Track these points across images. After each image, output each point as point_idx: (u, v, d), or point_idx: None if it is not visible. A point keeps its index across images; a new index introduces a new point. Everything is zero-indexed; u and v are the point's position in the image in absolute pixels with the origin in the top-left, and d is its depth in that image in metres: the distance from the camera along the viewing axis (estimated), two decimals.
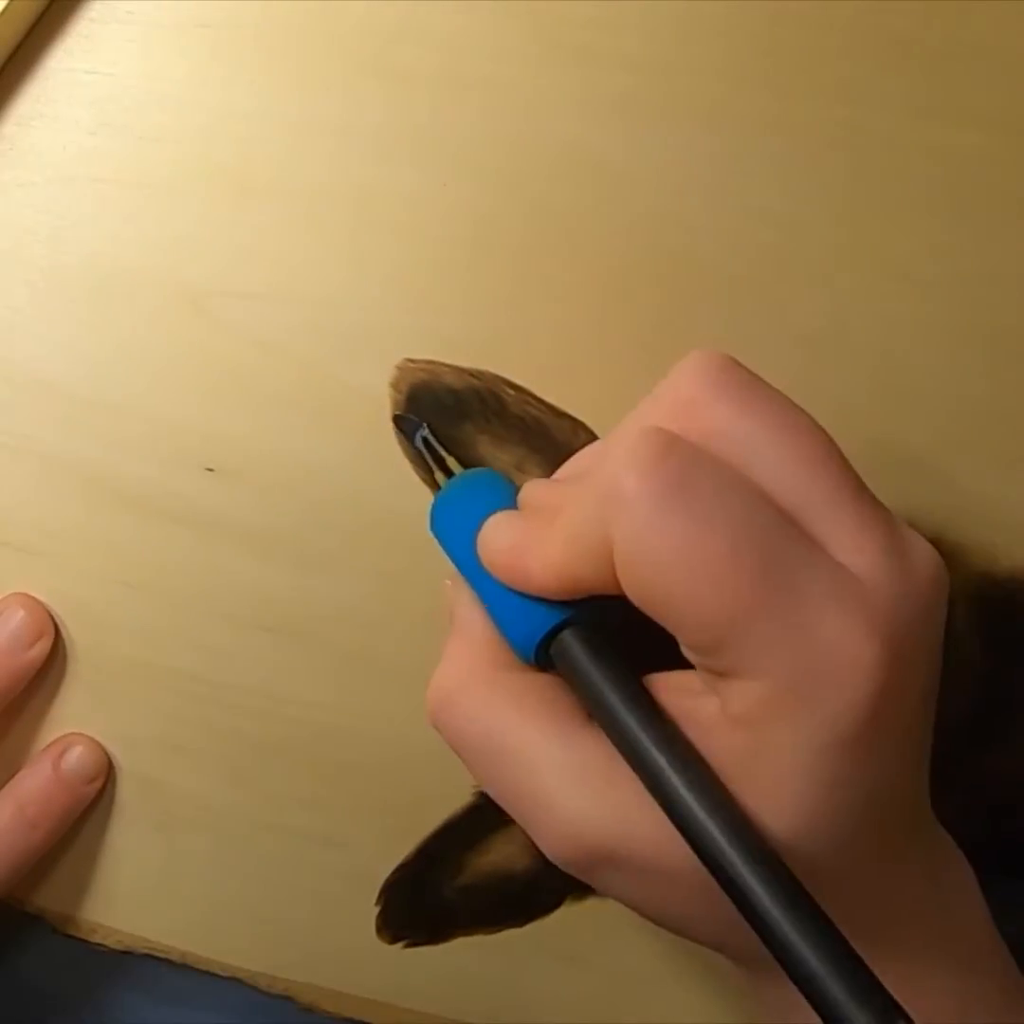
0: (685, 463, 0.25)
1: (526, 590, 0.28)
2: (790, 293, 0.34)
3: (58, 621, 0.36)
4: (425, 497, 0.35)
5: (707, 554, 0.24)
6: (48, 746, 0.37)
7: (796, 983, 0.23)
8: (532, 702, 0.29)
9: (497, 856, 0.37)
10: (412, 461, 0.34)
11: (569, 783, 0.27)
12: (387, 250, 0.34)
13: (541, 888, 0.37)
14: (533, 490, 0.30)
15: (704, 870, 0.25)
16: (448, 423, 0.34)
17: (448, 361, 0.34)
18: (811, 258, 0.34)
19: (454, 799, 0.37)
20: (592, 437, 0.34)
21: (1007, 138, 0.33)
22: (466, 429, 0.34)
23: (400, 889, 0.37)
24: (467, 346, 0.34)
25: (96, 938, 0.38)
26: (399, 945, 0.38)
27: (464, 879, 0.37)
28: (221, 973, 0.38)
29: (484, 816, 0.37)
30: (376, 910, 0.38)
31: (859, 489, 0.26)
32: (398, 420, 0.34)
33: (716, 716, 0.26)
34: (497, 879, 0.37)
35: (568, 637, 0.28)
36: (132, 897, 0.38)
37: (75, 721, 0.37)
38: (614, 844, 0.27)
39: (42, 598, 0.36)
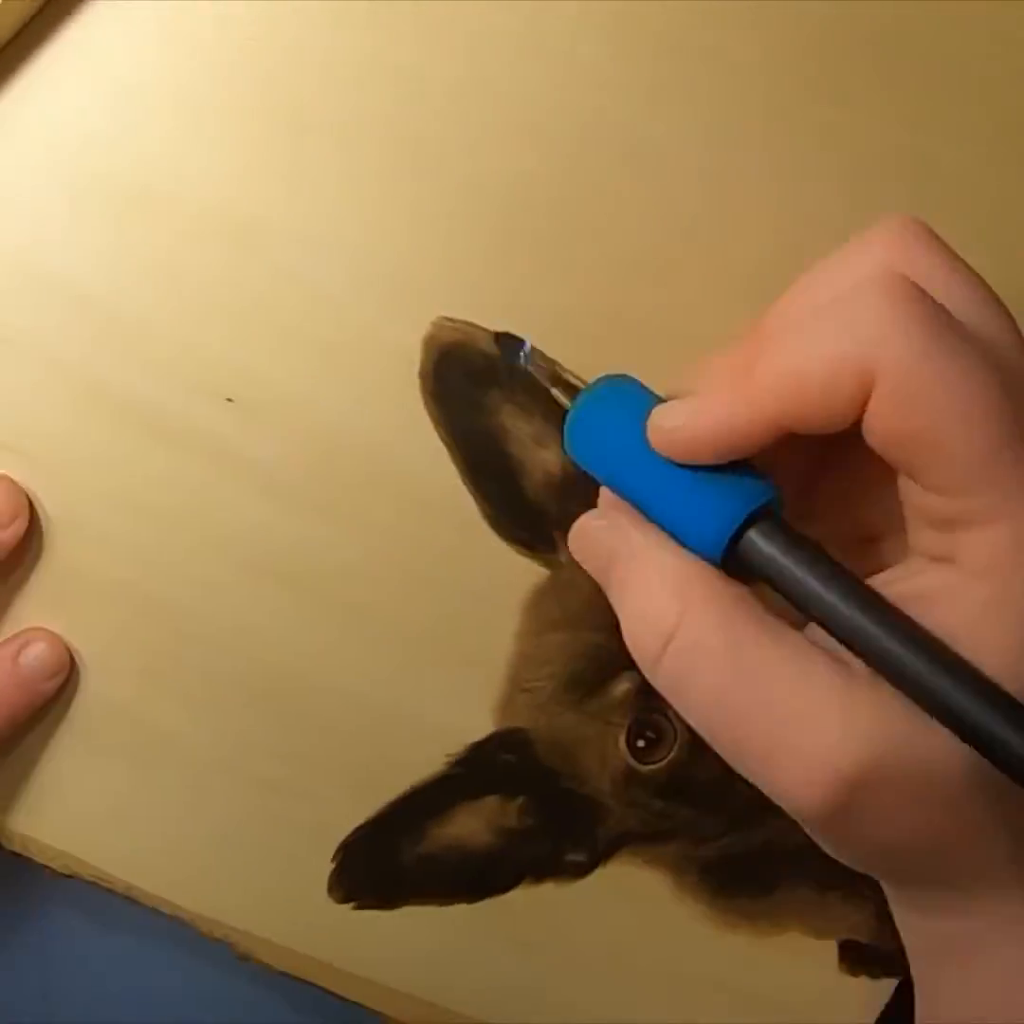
0: (938, 306, 0.25)
1: (723, 447, 0.26)
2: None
3: (52, 532, 0.35)
4: (440, 462, 0.35)
5: (981, 389, 0.24)
6: (7, 640, 0.36)
7: None
8: (766, 618, 0.26)
9: (460, 829, 0.37)
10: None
11: (831, 697, 0.25)
12: (440, 206, 0.34)
13: (499, 867, 0.37)
14: (705, 365, 0.28)
15: (970, 760, 0.24)
16: (475, 387, 0.34)
17: (484, 325, 0.34)
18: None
19: (425, 765, 0.37)
20: None
21: (1000, 150, 0.34)
22: (493, 395, 0.34)
23: (358, 849, 0.37)
24: (504, 315, 0.34)
25: (44, 859, 0.38)
26: (349, 906, 0.38)
27: (424, 847, 0.37)
28: (164, 910, 0.38)
29: (452, 786, 0.37)
30: (331, 867, 0.37)
31: None
32: (499, 336, 0.32)
33: (946, 580, 0.25)
34: (456, 852, 0.37)
35: (759, 532, 0.26)
36: (85, 823, 0.37)
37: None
38: (880, 757, 0.25)
39: (39, 506, 0.35)
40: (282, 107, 0.34)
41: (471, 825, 0.37)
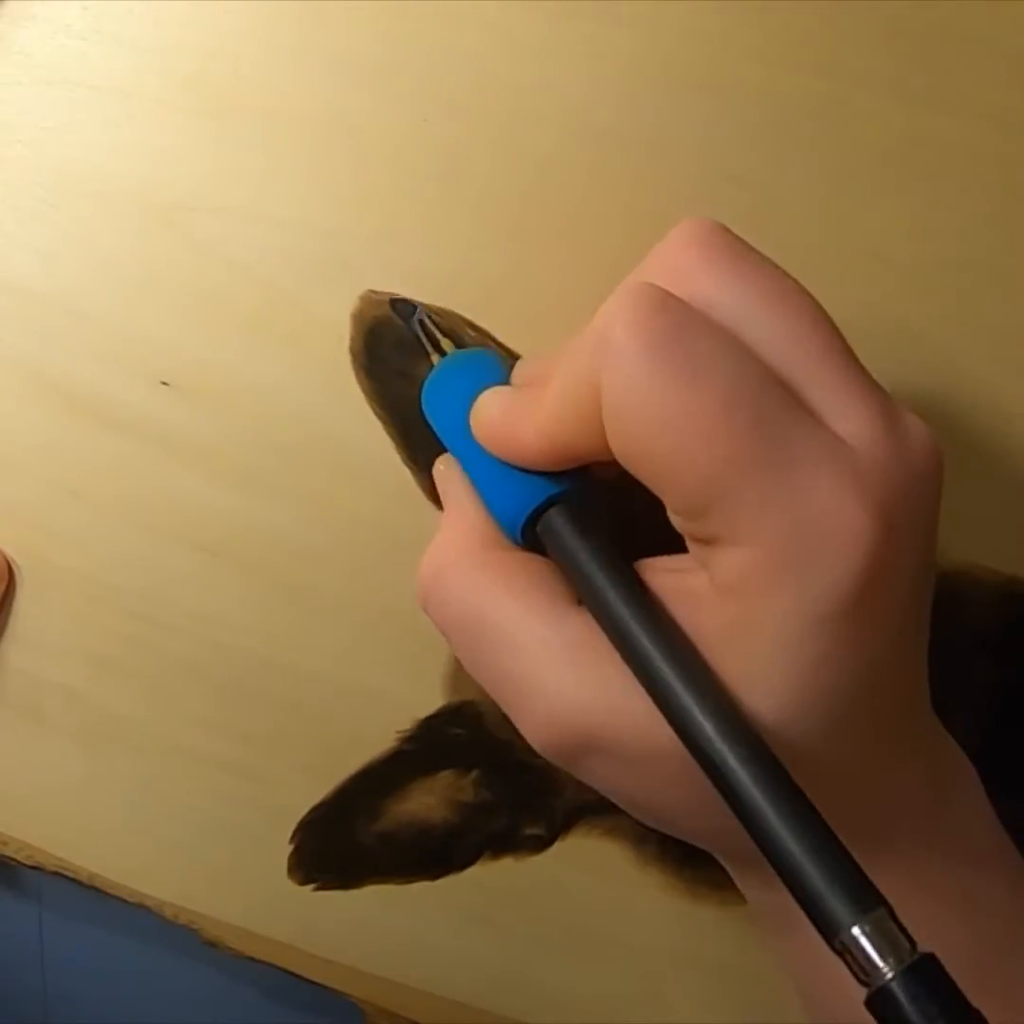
0: (677, 318, 0.25)
1: (517, 460, 0.28)
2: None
3: None
4: (376, 435, 0.35)
5: (698, 408, 0.24)
6: None
7: (775, 868, 0.23)
8: (522, 582, 0.28)
9: (416, 805, 0.37)
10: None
11: (556, 663, 0.27)
12: (364, 180, 0.34)
13: (457, 843, 0.37)
14: (526, 365, 0.30)
15: (688, 754, 0.24)
16: (406, 359, 0.34)
17: (412, 296, 0.34)
18: (785, 227, 0.34)
19: (378, 742, 0.37)
20: None
21: (985, 126, 0.33)
22: (424, 367, 0.34)
23: (315, 829, 0.37)
24: (432, 283, 0.34)
25: (8, 851, 0.38)
26: (309, 887, 0.38)
27: (381, 825, 0.37)
28: (128, 899, 0.38)
29: (405, 762, 0.36)
30: (289, 849, 0.37)
31: (850, 358, 0.26)
32: (394, 303, 0.33)
33: (705, 590, 0.25)
34: (414, 829, 0.37)
35: (555, 514, 0.28)
36: (46, 812, 0.38)
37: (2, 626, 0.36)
38: (600, 726, 0.26)
39: None
40: (207, 90, 0.34)
41: (427, 801, 0.37)
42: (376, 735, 0.37)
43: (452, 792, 0.37)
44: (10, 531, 0.36)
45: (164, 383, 0.35)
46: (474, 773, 0.37)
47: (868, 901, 0.21)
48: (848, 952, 0.21)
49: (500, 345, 0.34)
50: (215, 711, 0.37)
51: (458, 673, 0.36)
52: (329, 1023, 0.43)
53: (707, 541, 0.25)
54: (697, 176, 0.34)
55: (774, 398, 0.24)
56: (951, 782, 0.29)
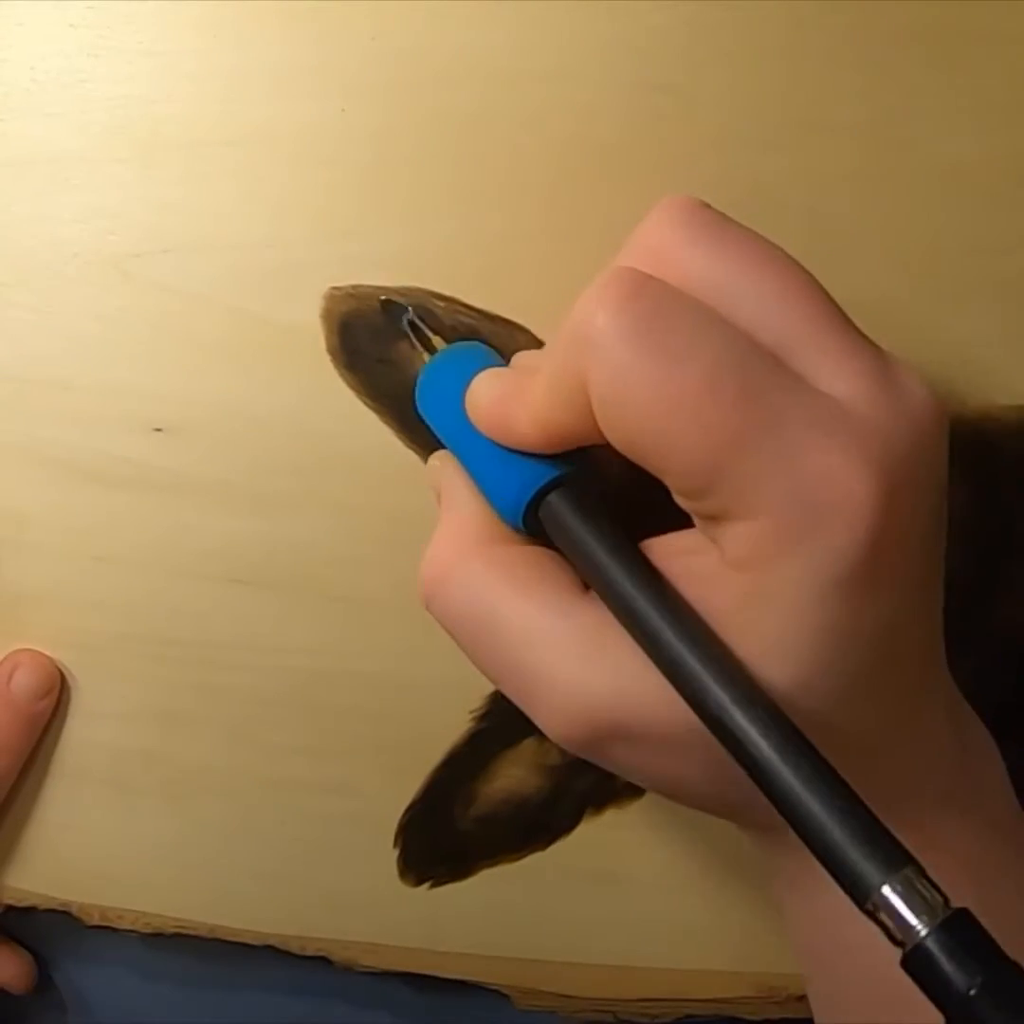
0: (657, 299, 0.24)
1: (513, 442, 0.28)
2: (705, 164, 0.34)
3: (28, 605, 0.36)
4: (374, 427, 0.35)
5: (685, 388, 0.24)
6: None
7: (799, 834, 0.22)
8: (527, 574, 0.28)
9: (507, 781, 0.37)
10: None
11: (567, 653, 0.26)
12: (296, 184, 0.34)
13: (557, 807, 0.37)
14: (522, 355, 0.30)
15: (707, 731, 0.24)
16: (384, 345, 0.34)
17: (372, 283, 0.34)
18: (717, 124, 0.33)
19: (454, 728, 0.36)
20: (532, 338, 0.34)
21: None
22: (402, 348, 0.34)
23: (415, 828, 0.37)
24: (389, 266, 0.34)
25: (125, 925, 0.38)
26: (424, 886, 0.37)
27: (478, 809, 0.37)
28: (253, 942, 0.38)
29: (485, 740, 0.36)
30: (395, 853, 0.37)
31: (843, 320, 0.25)
32: (384, 304, 0.33)
33: (715, 567, 0.25)
34: (511, 804, 0.37)
35: (556, 498, 0.28)
36: (152, 878, 0.38)
37: (63, 703, 0.37)
38: (616, 712, 0.26)
39: (13, 584, 0.36)
40: (126, 137, 0.34)
41: (516, 773, 0.37)
42: (449, 723, 0.37)
43: (538, 758, 0.37)
44: (47, 614, 0.36)
45: (157, 429, 0.35)
46: None
47: (897, 860, 0.21)
48: (881, 912, 0.21)
49: (471, 308, 0.34)
50: (289, 737, 0.37)
51: None
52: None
53: (714, 518, 0.25)
54: (624, 94, 0.33)
55: (761, 368, 0.24)
56: (967, 744, 0.29)
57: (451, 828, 0.37)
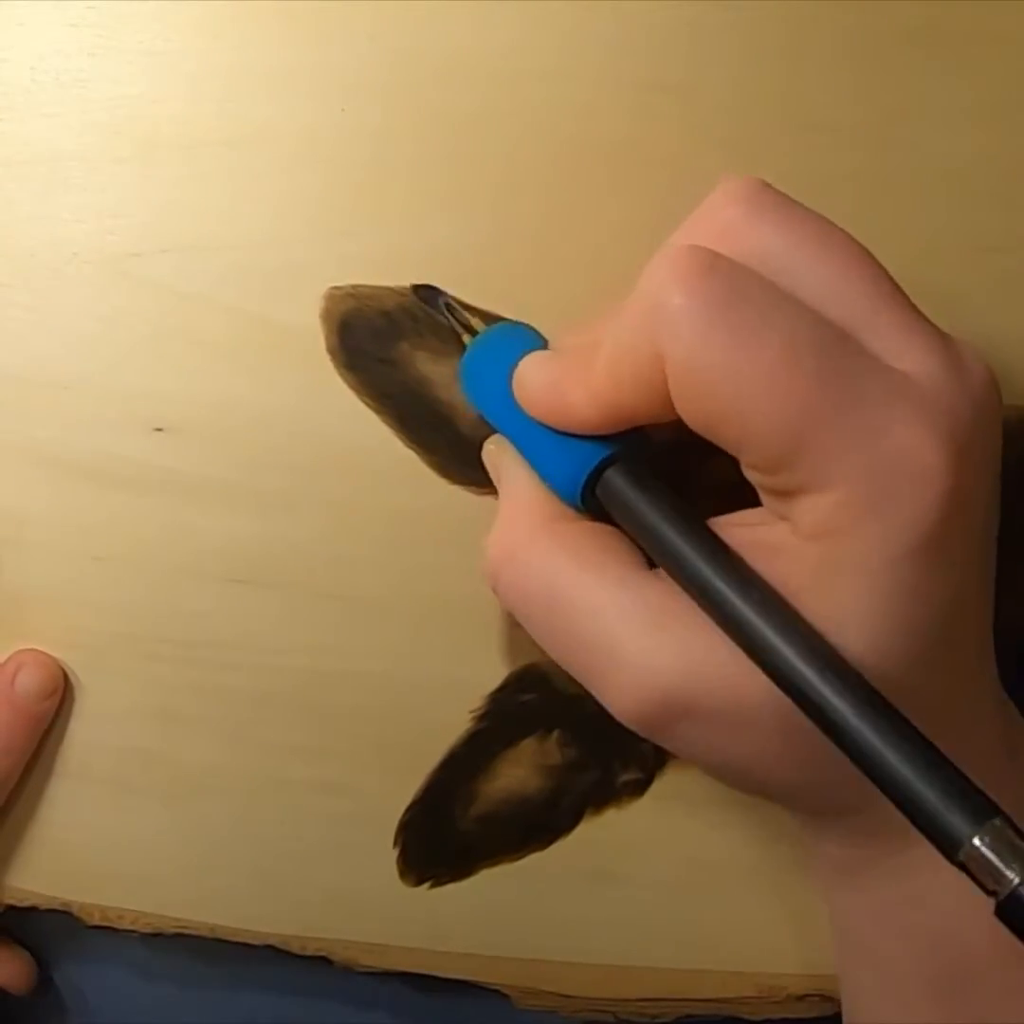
0: (730, 277, 0.25)
1: (568, 426, 0.28)
2: (705, 164, 0.34)
3: (34, 606, 0.36)
4: (374, 427, 0.35)
5: (765, 364, 0.24)
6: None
7: (885, 791, 0.23)
8: (591, 550, 0.28)
9: (507, 780, 0.37)
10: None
11: (636, 629, 0.26)
12: (295, 184, 0.34)
13: (558, 807, 0.37)
14: (568, 336, 0.30)
15: (782, 703, 0.24)
16: (384, 345, 0.34)
17: (372, 283, 0.34)
18: (717, 124, 0.34)
19: (454, 727, 0.36)
20: None
21: None
22: (402, 348, 0.34)
23: (415, 828, 0.37)
24: (389, 266, 0.34)
25: (125, 925, 0.38)
26: (425, 886, 0.37)
27: (478, 808, 0.37)
28: (253, 942, 0.38)
29: (485, 740, 0.36)
30: (395, 853, 0.37)
31: (905, 299, 0.26)
32: (416, 288, 0.33)
33: (784, 538, 0.26)
34: (512, 804, 0.37)
35: (613, 474, 0.28)
36: (152, 876, 0.38)
37: (62, 703, 0.36)
38: (689, 688, 0.26)
39: (14, 584, 0.36)
40: (125, 136, 0.34)
41: (517, 773, 0.37)
42: (450, 722, 0.36)
43: (539, 758, 0.37)
44: (46, 614, 0.36)
45: (157, 429, 0.35)
46: (555, 734, 0.36)
47: (985, 812, 0.22)
48: (973, 863, 0.21)
49: (472, 307, 0.34)
50: (288, 736, 0.37)
51: (512, 640, 0.36)
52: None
53: (788, 492, 0.25)
54: (623, 93, 0.33)
55: (836, 343, 0.25)
56: (1016, 734, 0.29)
57: (451, 828, 0.37)
